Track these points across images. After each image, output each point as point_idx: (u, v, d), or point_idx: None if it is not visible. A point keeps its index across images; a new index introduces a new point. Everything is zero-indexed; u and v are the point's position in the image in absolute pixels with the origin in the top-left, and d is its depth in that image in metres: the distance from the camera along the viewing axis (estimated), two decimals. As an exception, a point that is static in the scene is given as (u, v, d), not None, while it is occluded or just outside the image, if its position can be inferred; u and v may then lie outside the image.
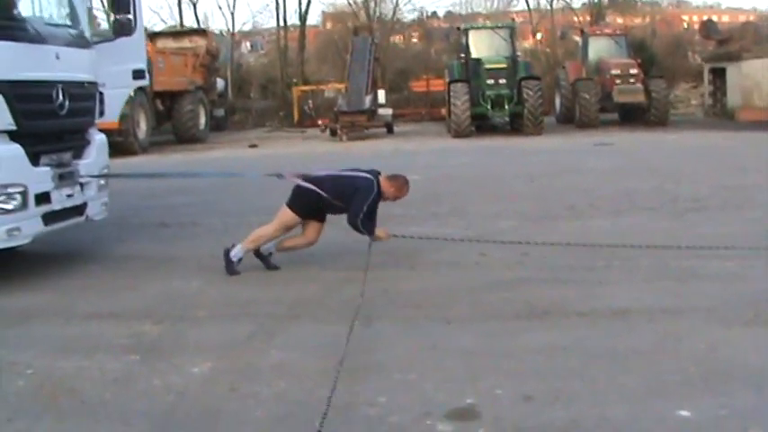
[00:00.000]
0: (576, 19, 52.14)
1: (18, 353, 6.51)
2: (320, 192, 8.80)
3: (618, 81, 31.07)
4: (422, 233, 9.92)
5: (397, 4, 48.83)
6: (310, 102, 39.47)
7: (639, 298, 7.61)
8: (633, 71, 31.25)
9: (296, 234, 9.26)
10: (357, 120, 31.00)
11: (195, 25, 44.90)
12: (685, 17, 77.18)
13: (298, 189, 9.02)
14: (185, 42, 33.85)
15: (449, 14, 58.69)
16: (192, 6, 47.92)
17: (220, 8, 60.42)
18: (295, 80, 44.18)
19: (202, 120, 33.02)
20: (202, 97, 33.26)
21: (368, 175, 8.98)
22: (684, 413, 4.92)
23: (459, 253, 9.66)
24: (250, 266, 9.20)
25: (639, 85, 31.11)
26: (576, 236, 10.48)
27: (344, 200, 8.78)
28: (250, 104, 46.03)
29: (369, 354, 6.21)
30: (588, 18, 51.13)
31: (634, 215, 12.04)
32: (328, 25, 53.14)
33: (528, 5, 53.04)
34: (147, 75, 11.63)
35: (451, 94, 29.66)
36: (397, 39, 57.78)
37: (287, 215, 8.99)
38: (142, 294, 8.39)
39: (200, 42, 35.02)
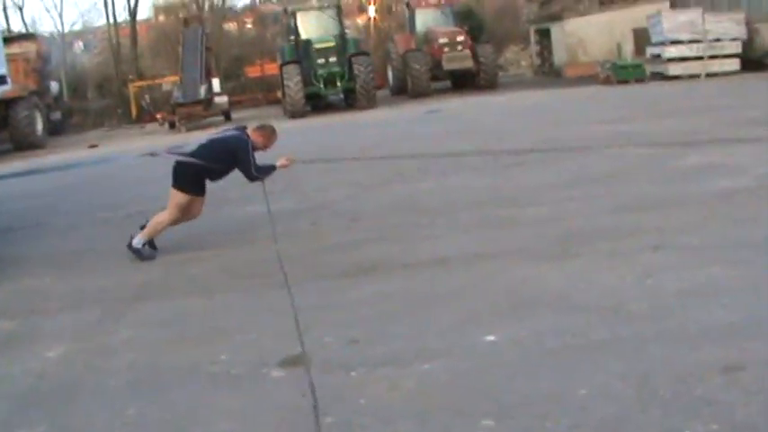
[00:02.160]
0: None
1: None
2: (198, 161, 9.16)
3: (446, 49, 32.03)
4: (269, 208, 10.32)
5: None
6: (147, 97, 39.21)
7: (459, 247, 8.35)
8: (460, 38, 32.27)
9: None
10: (194, 110, 31.17)
11: (23, 30, 43.77)
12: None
13: (178, 166, 9.30)
14: (15, 48, 33.10)
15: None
16: (18, 11, 46.70)
17: (48, 11, 59.50)
18: (131, 76, 43.69)
19: (39, 125, 32.41)
20: (37, 102, 32.65)
21: (236, 132, 9.40)
22: (491, 338, 5.62)
23: (292, 224, 10.23)
24: (96, 257, 9.60)
25: (467, 52, 32.15)
26: (403, 199, 11.21)
27: (223, 160, 9.15)
28: (87, 105, 45.24)
29: (211, 321, 6.77)
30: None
31: (460, 174, 12.76)
32: (160, 18, 52.41)
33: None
34: (8, 80, 11.58)
35: (284, 76, 30.11)
36: (232, 26, 57.61)
37: (177, 196, 9.25)
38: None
39: (29, 47, 34.41)
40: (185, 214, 9.48)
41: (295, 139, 18.50)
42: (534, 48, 41.08)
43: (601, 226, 8.57)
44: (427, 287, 7.04)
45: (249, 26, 56.62)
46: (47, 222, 12.60)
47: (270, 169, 9.32)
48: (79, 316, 7.43)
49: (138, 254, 9.28)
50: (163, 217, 9.36)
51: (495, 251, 8.02)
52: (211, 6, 49.03)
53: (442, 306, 6.47)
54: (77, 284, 8.70)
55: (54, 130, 35.88)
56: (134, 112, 40.26)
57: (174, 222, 9.50)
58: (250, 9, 57.02)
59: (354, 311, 6.58)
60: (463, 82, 33.53)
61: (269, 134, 9.47)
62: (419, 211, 10.31)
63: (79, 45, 63.38)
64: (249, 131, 9.40)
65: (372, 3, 47.19)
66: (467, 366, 5.17)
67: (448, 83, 34.74)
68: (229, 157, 9.15)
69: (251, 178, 9.21)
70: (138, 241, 9.31)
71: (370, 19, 47.64)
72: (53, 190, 15.90)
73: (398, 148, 16.25)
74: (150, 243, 9.45)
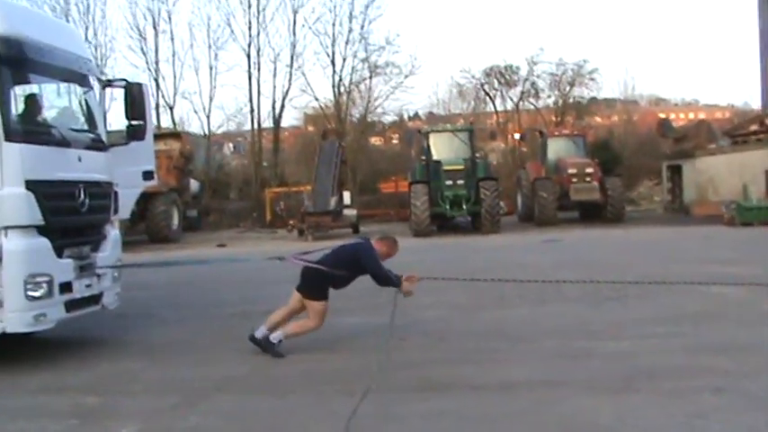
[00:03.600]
0: (553, 118, 53.44)
1: None
2: (324, 268, 9.75)
3: (574, 180, 32.36)
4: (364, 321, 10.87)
5: (367, 107, 50.21)
6: (282, 203, 40.55)
7: (529, 374, 8.63)
8: (589, 170, 32.55)
9: (303, 318, 10.08)
10: (322, 220, 32.16)
11: (172, 128, 46.06)
12: (663, 115, 78.65)
13: (306, 271, 9.93)
14: (160, 145, 34.70)
15: (430, 115, 59.94)
16: (168, 110, 49.12)
17: (196, 112, 62.32)
18: (272, 183, 45.29)
19: (175, 220, 34.01)
20: (176, 198, 34.32)
21: (361, 241, 10.08)
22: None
23: (382, 338, 10.61)
24: (192, 349, 10.23)
25: (595, 184, 32.36)
26: (494, 323, 11.53)
27: (348, 268, 9.76)
28: (225, 205, 47.06)
29: (272, 419, 7.31)
30: (557, 118, 52.54)
31: (555, 304, 12.99)
32: (310, 127, 54.34)
33: (495, 107, 54.65)
34: (155, 176, 12.60)
35: (412, 194, 30.98)
36: (377, 140, 59.19)
37: (316, 305, 9.83)
38: (91, 372, 9.40)
39: (174, 145, 36.24)
40: (310, 324, 9.97)
41: (413, 256, 19.01)
42: (666, 184, 40.96)
43: (672, 364, 8.74)
44: (483, 409, 7.34)
45: (395, 141, 57.93)
46: (157, 313, 13.32)
47: (396, 279, 9.74)
48: (159, 400, 8.03)
49: (270, 348, 9.79)
50: (308, 324, 9.93)
51: (562, 380, 8.27)
52: (353, 120, 50.37)
53: (488, 428, 6.78)
54: (167, 372, 9.35)
55: (190, 226, 37.43)
56: (268, 216, 41.55)
57: (298, 333, 10.00)
58: (397, 125, 58.24)
59: (406, 424, 6.94)
60: (591, 213, 33.61)
61: (391, 244, 10.07)
62: (505, 337, 10.63)
63: (229, 147, 65.70)
64: (373, 241, 10.00)
65: (519, 130, 47.84)
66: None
67: (576, 213, 34.84)
68: (354, 264, 9.74)
69: (380, 280, 9.70)
70: (275, 336, 9.84)
71: (517, 143, 48.12)
72: (171, 284, 16.73)
73: (505, 273, 16.46)
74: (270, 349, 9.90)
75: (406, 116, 61.29)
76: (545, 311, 12.51)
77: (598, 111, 59.97)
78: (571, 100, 53.75)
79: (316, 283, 9.86)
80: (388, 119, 55.77)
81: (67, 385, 8.75)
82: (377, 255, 9.73)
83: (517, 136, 48.10)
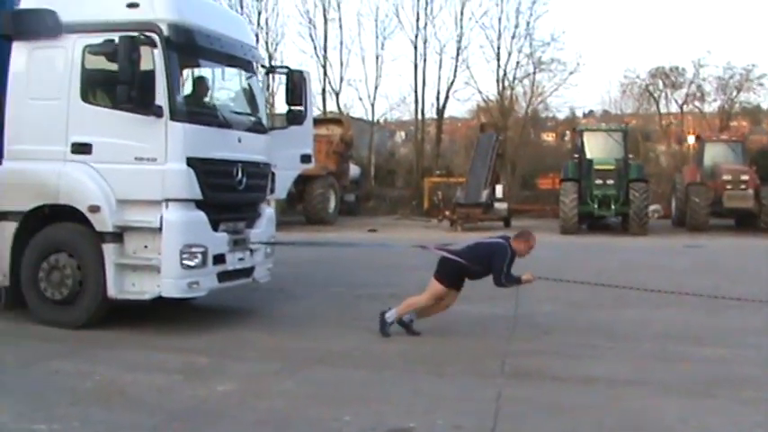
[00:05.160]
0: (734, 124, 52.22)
1: (97, 366, 8.62)
2: (462, 261, 10.37)
3: (728, 186, 31.66)
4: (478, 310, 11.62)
5: (529, 102, 50.32)
6: (440, 193, 41.07)
7: (616, 371, 8.97)
8: (744, 177, 31.78)
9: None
10: (473, 212, 32.56)
11: (336, 114, 47.26)
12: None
13: (444, 260, 10.56)
14: (322, 130, 35.75)
15: (605, 113, 59.23)
16: (334, 96, 50.38)
17: (360, 99, 63.93)
18: (439, 171, 45.86)
19: (332, 203, 35.01)
20: (333, 182, 35.30)
21: (500, 240, 10.59)
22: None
23: (492, 326, 11.21)
24: (311, 323, 11.27)
25: (750, 192, 31.57)
26: (603, 322, 11.91)
27: (484, 264, 10.32)
28: (386, 192, 47.91)
29: (362, 390, 7.99)
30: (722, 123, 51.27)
31: (672, 308, 13.05)
32: (482, 118, 54.57)
33: (659, 109, 53.73)
34: (312, 159, 13.48)
35: (561, 192, 31.14)
36: (548, 136, 59.11)
37: (436, 286, 10.49)
38: (210, 337, 10.36)
39: (335, 131, 37.20)
40: (439, 303, 10.63)
41: (553, 252, 19.36)
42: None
43: (760, 375, 8.87)
44: (556, 399, 7.76)
45: (566, 138, 57.46)
46: (288, 288, 14.10)
47: (516, 280, 10.31)
48: (262, 365, 8.90)
49: (382, 326, 10.45)
50: (417, 299, 10.57)
51: (644, 380, 8.56)
52: (519, 114, 50.47)
53: (552, 416, 7.21)
54: (279, 342, 10.22)
55: (347, 210, 38.40)
56: (425, 205, 42.21)
57: (428, 311, 10.66)
58: (569, 122, 57.59)
59: (480, 407, 7.44)
60: (746, 222, 32.86)
61: (527, 237, 10.56)
62: (609, 335, 10.96)
63: (401, 135, 66.57)
64: (512, 241, 10.49)
65: (692, 132, 46.91)
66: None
67: (731, 221, 34.12)
68: (489, 260, 10.28)
69: (498, 282, 10.25)
70: (390, 315, 10.49)
71: (690, 146, 47.06)
72: (312, 262, 17.60)
73: (634, 277, 16.51)
74: (409, 329, 10.58)
75: (581, 113, 60.86)
76: (658, 315, 12.64)
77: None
78: (737, 105, 52.41)
79: (452, 272, 10.43)
80: (561, 115, 55.73)
81: (186, 347, 9.69)
82: (507, 258, 10.17)
83: (691, 139, 46.96)
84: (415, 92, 49.87)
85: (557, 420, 7.05)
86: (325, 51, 49.75)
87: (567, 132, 50.13)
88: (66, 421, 6.71)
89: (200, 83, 11.34)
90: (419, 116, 50.42)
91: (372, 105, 51.01)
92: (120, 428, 6.58)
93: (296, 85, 12.15)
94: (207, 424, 6.78)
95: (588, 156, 32.18)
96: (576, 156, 32.96)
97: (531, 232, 10.73)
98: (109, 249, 10.13)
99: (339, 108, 49.63)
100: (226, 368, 8.69)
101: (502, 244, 10.38)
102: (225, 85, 12.00)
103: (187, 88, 10.96)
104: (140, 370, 8.49)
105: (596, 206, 31.04)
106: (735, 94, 51.75)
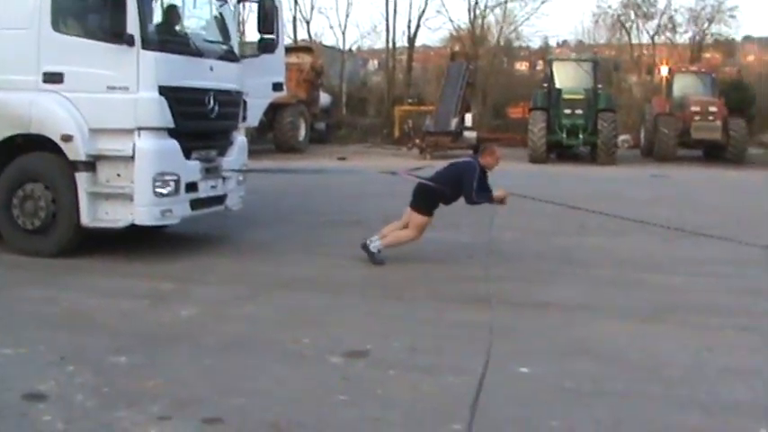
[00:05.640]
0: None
1: (64, 292, 8.85)
2: (434, 185, 10.57)
3: (696, 118, 31.83)
4: (441, 237, 11.71)
5: (501, 31, 50.19)
6: (410, 121, 41.05)
7: (570, 296, 9.23)
8: (712, 109, 31.94)
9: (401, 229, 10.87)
10: (441, 140, 32.63)
11: (309, 42, 47.02)
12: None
13: (418, 189, 10.73)
14: (292, 58, 35.40)
15: (579, 44, 58.98)
16: (305, 24, 50.08)
17: (332, 27, 64.08)
18: (410, 100, 45.80)
19: (302, 132, 34.92)
20: (303, 110, 35.18)
21: (467, 159, 10.93)
22: (524, 369, 6.62)
23: (452, 253, 11.44)
24: (280, 249, 11.56)
25: (718, 123, 31.76)
26: (564, 249, 12.17)
27: (455, 185, 10.49)
28: (358, 121, 47.87)
29: (322, 315, 8.24)
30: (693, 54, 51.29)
31: (633, 236, 13.31)
32: (455, 47, 54.33)
33: (630, 39, 53.62)
34: (284, 87, 13.56)
35: (530, 121, 31.35)
36: (522, 65, 58.94)
37: (419, 218, 10.63)
38: (177, 263, 10.59)
39: (305, 59, 36.96)
40: (409, 233, 10.77)
41: (520, 180, 19.52)
42: (802, 127, 39.79)
43: (714, 302, 9.11)
44: (510, 323, 7.97)
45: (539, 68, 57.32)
46: (256, 216, 14.20)
47: (487, 196, 10.54)
48: (226, 290, 9.15)
49: (371, 256, 10.61)
50: (406, 234, 10.72)
51: (597, 305, 8.84)
52: (490, 43, 50.32)
53: (508, 339, 7.42)
54: (243, 267, 10.46)
55: (318, 138, 38.35)
56: (396, 133, 42.23)
57: (396, 243, 10.79)
58: (543, 52, 57.40)
59: (435, 330, 7.71)
60: (713, 153, 33.16)
61: (492, 150, 10.85)
62: (568, 261, 11.24)
63: (374, 63, 66.13)
64: (479, 157, 10.72)
65: (665, 63, 46.79)
66: (486, 384, 6.17)
67: (700, 152, 34.38)
68: (459, 181, 10.46)
69: (469, 200, 10.46)
70: (375, 246, 10.64)
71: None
72: (280, 191, 17.74)
73: (599, 204, 16.56)
74: (374, 258, 10.67)
75: (554, 43, 60.67)
76: (619, 242, 12.91)
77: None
78: (709, 37, 52.45)
79: (425, 197, 10.60)
80: (535, 45, 55.56)
81: (154, 273, 9.87)
82: (476, 174, 10.32)
83: (664, 70, 46.86)
84: (387, 20, 49.68)
85: (507, 343, 7.26)
86: (297, -21, 49.36)
87: (540, 62, 50.14)
88: (31, 345, 6.90)
89: (171, 11, 11.34)
90: (390, 45, 50.24)
91: (343, 34, 50.83)
92: (84, 350, 6.76)
93: (267, 14, 12.16)
94: (168, 347, 6.99)
95: (557, 85, 32.29)
96: (546, 85, 33.06)
97: (492, 144, 10.99)
98: (82, 178, 10.24)
99: (310, 36, 49.43)
100: (190, 293, 8.92)
101: (470, 162, 10.65)
102: (196, 14, 12.05)
103: (158, 17, 10.96)
104: (107, 296, 8.71)
105: (564, 135, 31.22)
106: (706, 25, 51.85)
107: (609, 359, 6.94)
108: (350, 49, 53.85)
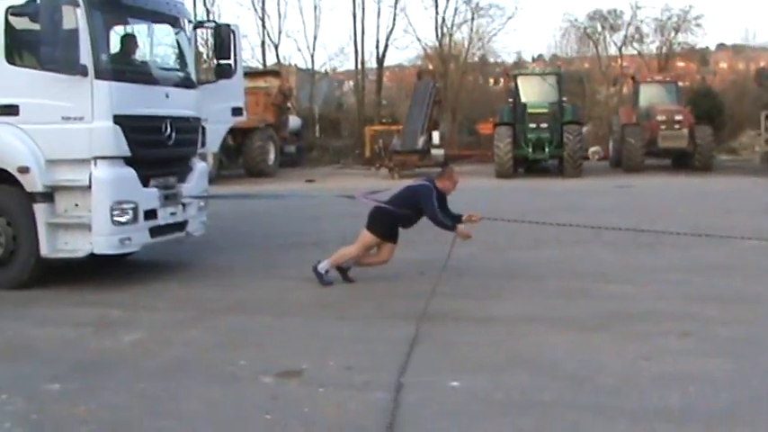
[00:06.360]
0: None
1: (9, 322, 8.97)
2: (391, 208, 10.66)
3: (663, 127, 32.05)
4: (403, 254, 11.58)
5: (468, 48, 50.57)
6: (381, 141, 41.17)
7: (518, 310, 9.34)
8: (678, 117, 32.16)
9: (373, 253, 10.99)
10: (409, 159, 32.85)
11: (275, 66, 47.23)
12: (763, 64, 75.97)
13: (374, 212, 10.81)
14: (260, 82, 35.78)
15: (554, 57, 59.32)
16: (274, 48, 50.31)
17: (300, 50, 64.82)
18: (384, 120, 45.97)
19: (272, 155, 34.96)
20: (272, 134, 35.24)
21: (423, 182, 10.92)
22: (454, 383, 6.69)
23: (405, 270, 11.46)
24: (229, 274, 11.62)
25: (684, 131, 31.97)
26: (517, 263, 12.30)
27: (411, 207, 10.59)
28: (330, 142, 48.05)
29: (262, 336, 8.37)
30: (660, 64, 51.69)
31: (588, 246, 13.52)
32: (425, 66, 54.67)
33: (597, 52, 54.06)
34: (244, 112, 13.65)
35: (496, 136, 31.53)
36: (493, 81, 59.23)
37: (367, 237, 10.75)
38: (128, 290, 10.67)
39: (273, 83, 37.16)
40: (377, 255, 10.92)
41: (484, 195, 19.72)
42: (765, 134, 40.05)
43: (661, 309, 9.18)
44: (452, 338, 8.11)
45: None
46: (214, 241, 14.17)
47: (455, 217, 10.72)
48: (172, 315, 9.27)
49: (319, 277, 10.69)
50: (349, 250, 10.83)
51: (542, 317, 8.93)
52: (460, 60, 50.62)
53: (444, 353, 7.57)
54: (192, 292, 10.55)
55: (290, 161, 38.42)
56: (367, 153, 42.34)
57: (364, 263, 10.96)
58: (514, 65, 57.64)
59: (373, 348, 7.81)
60: (681, 162, 33.37)
61: (449, 174, 10.93)
62: (519, 276, 11.35)
63: (350, 84, 66.28)
64: (435, 180, 10.79)
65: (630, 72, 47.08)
66: (414, 398, 6.28)
67: (668, 161, 34.59)
68: (416, 203, 10.55)
69: (433, 219, 10.50)
70: (323, 266, 10.73)
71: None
72: (241, 216, 17.82)
73: (557, 218, 16.82)
74: (345, 276, 10.88)
75: (529, 58, 61.08)
76: (574, 254, 13.04)
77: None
78: (676, 46, 52.93)
79: (381, 220, 10.66)
80: (510, 60, 55.92)
81: (102, 300, 9.98)
82: (434, 198, 10.41)
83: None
84: (355, 41, 50.00)
85: (446, 357, 7.40)
86: (263, 3, 49.69)
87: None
88: (-30, 376, 6.98)
89: (125, 40, 11.44)
90: (359, 65, 50.48)
91: (312, 56, 51.07)
92: (20, 379, 6.85)
93: (223, 40, 12.32)
94: (107, 372, 7.08)
95: (523, 99, 32.52)
96: (511, 100, 33.29)
97: (452, 168, 11.17)
98: (40, 209, 10.32)
99: (279, 59, 49.59)
100: (137, 319, 9.01)
101: (425, 184, 10.68)
102: (151, 42, 12.11)
103: (113, 46, 11.05)
104: (52, 325, 8.81)
105: (531, 150, 31.40)
106: (673, 35, 52.37)
107: (543, 370, 7.04)
108: (325, 71, 54.10)
